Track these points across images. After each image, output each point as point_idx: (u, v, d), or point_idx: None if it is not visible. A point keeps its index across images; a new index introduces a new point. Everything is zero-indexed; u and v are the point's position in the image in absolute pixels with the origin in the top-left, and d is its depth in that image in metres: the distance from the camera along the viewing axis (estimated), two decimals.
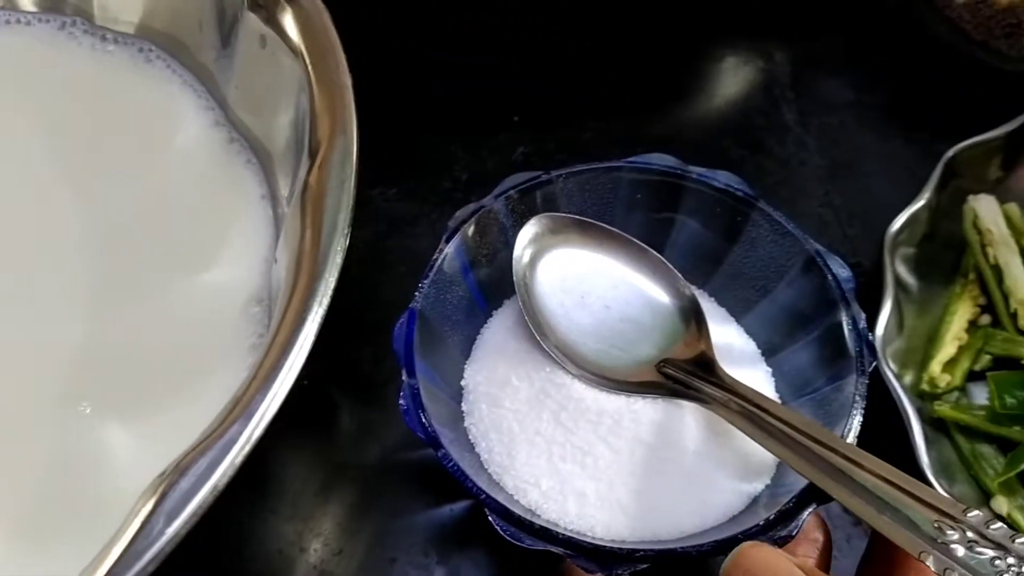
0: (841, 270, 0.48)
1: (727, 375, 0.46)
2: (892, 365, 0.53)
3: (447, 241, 0.49)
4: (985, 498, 0.50)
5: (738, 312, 0.53)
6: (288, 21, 0.52)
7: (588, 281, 0.51)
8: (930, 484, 0.47)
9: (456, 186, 0.63)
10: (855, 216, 0.62)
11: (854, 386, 0.45)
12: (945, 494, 0.39)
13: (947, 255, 0.58)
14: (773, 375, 0.50)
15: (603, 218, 0.52)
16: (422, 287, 0.47)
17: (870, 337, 0.46)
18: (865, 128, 0.66)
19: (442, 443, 0.43)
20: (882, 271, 0.54)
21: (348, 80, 0.50)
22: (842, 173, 0.63)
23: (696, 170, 0.51)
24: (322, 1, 0.53)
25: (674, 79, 0.68)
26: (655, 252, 0.51)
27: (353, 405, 0.56)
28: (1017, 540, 0.35)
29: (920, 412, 0.51)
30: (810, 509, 0.41)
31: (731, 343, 0.51)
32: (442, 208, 0.62)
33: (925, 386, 0.53)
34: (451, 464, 0.42)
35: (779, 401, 0.49)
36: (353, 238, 0.45)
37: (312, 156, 0.48)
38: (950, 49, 0.66)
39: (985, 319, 0.56)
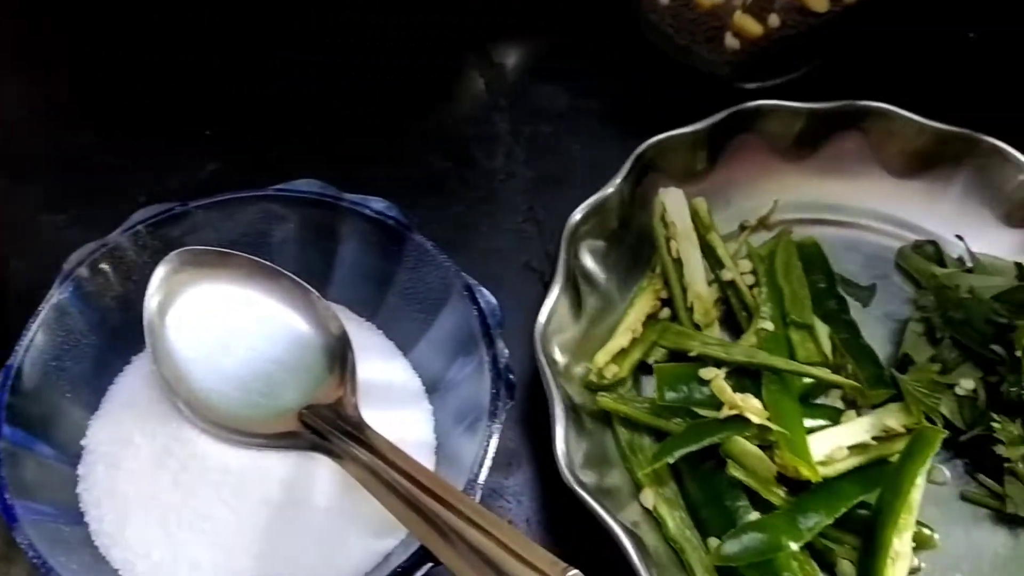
0: (488, 303, 0.46)
1: (365, 426, 0.43)
2: (560, 356, 0.51)
3: (59, 285, 0.44)
4: (638, 491, 0.49)
5: (407, 345, 0.50)
6: None
7: (234, 320, 0.47)
8: (563, 475, 0.45)
9: (135, 209, 0.58)
10: (558, 231, 0.59)
11: (486, 423, 0.42)
12: (549, 554, 0.37)
13: (647, 250, 0.57)
14: (437, 411, 0.48)
15: (256, 250, 0.48)
16: (23, 340, 0.43)
17: (511, 378, 0.44)
18: (578, 136, 0.63)
19: (15, 517, 0.38)
20: (555, 260, 0.52)
21: None
22: (549, 187, 0.61)
23: (349, 197, 0.48)
24: None
25: (382, 90, 0.64)
26: (306, 285, 0.47)
27: None
28: None
29: (580, 404, 0.50)
30: (423, 570, 0.39)
31: (393, 380, 0.49)
32: None
33: (592, 376, 0.52)
34: (25, 543, 0.38)
35: (434, 441, 0.47)
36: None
37: None
38: (662, 53, 0.64)
39: (665, 313, 0.55)
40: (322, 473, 0.43)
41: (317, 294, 0.47)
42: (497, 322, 0.45)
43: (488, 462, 0.41)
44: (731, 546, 0.45)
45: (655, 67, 0.65)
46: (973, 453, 0.50)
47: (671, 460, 0.47)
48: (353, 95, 0.64)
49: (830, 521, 0.46)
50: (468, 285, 0.46)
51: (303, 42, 0.65)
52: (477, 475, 0.41)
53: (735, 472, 0.47)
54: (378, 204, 0.48)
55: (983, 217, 0.59)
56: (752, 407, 0.47)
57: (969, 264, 0.56)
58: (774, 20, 0.61)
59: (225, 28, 0.66)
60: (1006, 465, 0.48)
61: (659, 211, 0.56)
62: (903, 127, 0.59)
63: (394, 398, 0.48)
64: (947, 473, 0.50)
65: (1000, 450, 0.47)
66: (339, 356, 0.46)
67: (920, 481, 0.47)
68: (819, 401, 0.52)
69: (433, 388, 0.48)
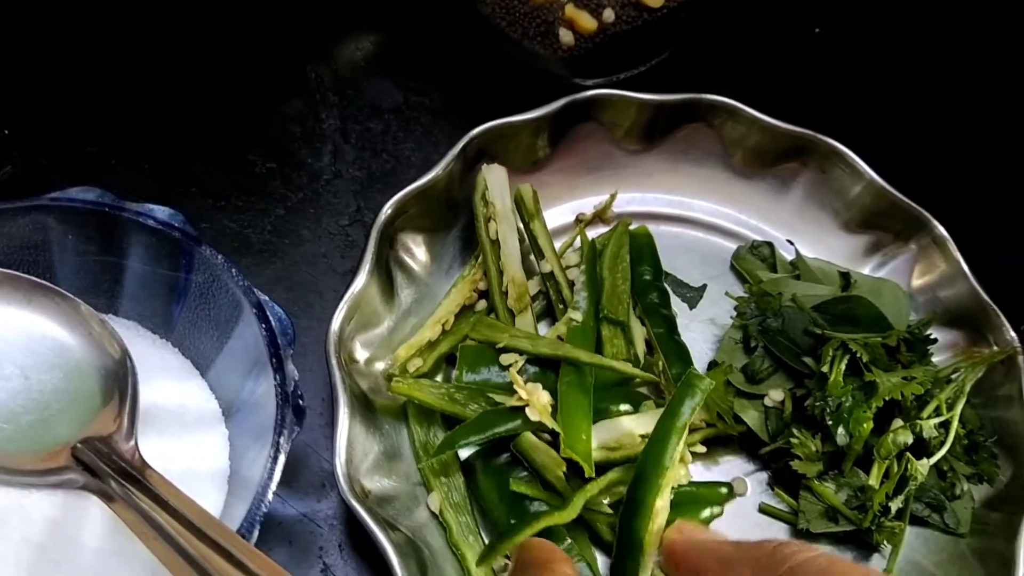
0: (280, 321, 0.43)
1: (140, 464, 0.40)
2: (363, 352, 0.49)
3: None
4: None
5: (204, 364, 0.47)
6: None
7: (4, 345, 0.43)
8: (338, 483, 0.44)
9: None
10: None
11: (270, 451, 0.40)
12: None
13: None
14: (234, 435, 0.45)
15: (33, 266, 0.44)
16: None
17: (301, 403, 0.41)
18: (411, 134, 0.61)
19: None
20: (363, 252, 0.49)
21: None
22: (379, 187, 0.58)
23: (131, 206, 0.44)
24: None
25: (201, 85, 0.60)
26: (78, 303, 0.43)
27: None
28: None
29: (380, 404, 0.49)
30: None
31: (187, 403, 0.45)
32: None
33: (394, 370, 0.50)
34: None
35: (227, 468, 0.44)
36: None
37: None
38: (499, 48, 0.61)
39: (482, 305, 0.53)
40: (94, 512, 0.40)
41: (95, 314, 0.43)
42: (288, 341, 0.42)
43: (272, 488, 0.39)
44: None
45: (493, 63, 0.62)
46: (775, 466, 0.50)
47: (455, 450, 0.46)
48: (169, 90, 0.60)
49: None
50: (259, 302, 0.43)
51: (114, 32, 0.61)
52: (259, 505, 0.38)
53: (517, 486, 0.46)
54: (162, 214, 0.44)
55: (822, 222, 0.58)
56: (537, 400, 0.46)
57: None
58: (609, 15, 0.59)
59: (27, 18, 0.60)
60: (803, 481, 0.47)
61: (480, 189, 0.54)
62: (745, 124, 0.57)
63: (188, 423, 0.45)
64: (748, 485, 0.50)
65: (796, 466, 0.47)
66: (118, 384, 0.42)
67: (684, 433, 0.46)
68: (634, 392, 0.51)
69: (230, 410, 0.45)
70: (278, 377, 0.41)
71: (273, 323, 0.42)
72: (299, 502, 0.49)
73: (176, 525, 0.37)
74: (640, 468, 0.45)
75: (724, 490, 0.50)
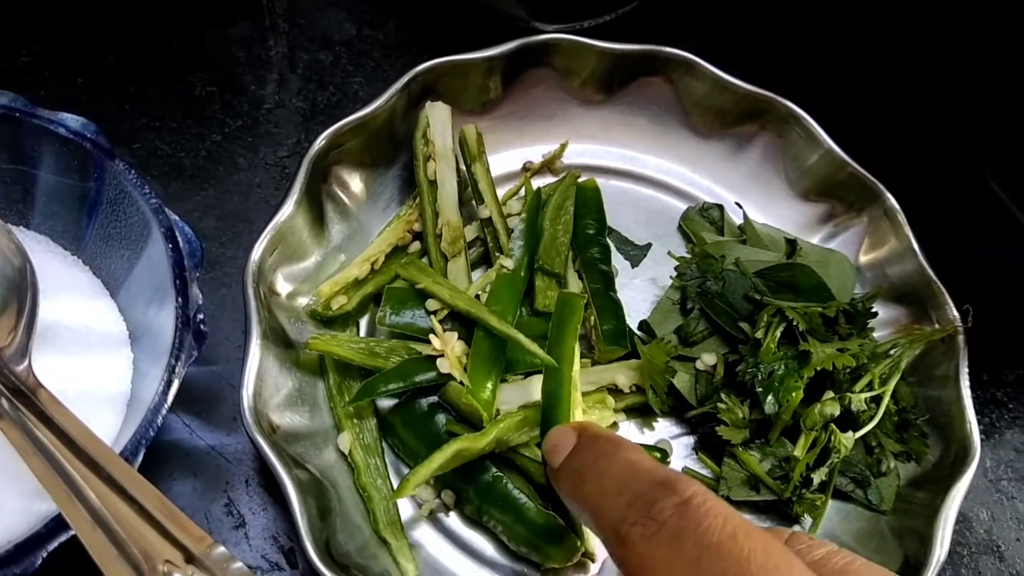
0: (189, 242, 0.41)
1: (27, 378, 0.38)
2: (284, 285, 0.48)
3: None
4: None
5: (115, 284, 0.45)
6: None
7: None
8: (243, 417, 0.42)
9: None
10: None
11: (165, 373, 0.38)
12: (198, 528, 0.34)
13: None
14: (140, 358, 0.43)
15: None
16: None
17: (202, 328, 0.39)
18: (361, 68, 0.58)
19: None
20: (291, 182, 0.48)
21: None
22: (322, 120, 0.56)
23: (42, 113, 0.42)
24: None
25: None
26: None
27: None
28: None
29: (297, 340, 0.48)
30: (64, 536, 0.35)
31: (92, 323, 0.44)
32: None
33: (317, 307, 0.48)
34: None
35: (128, 392, 0.42)
36: None
37: None
38: None
39: (416, 247, 0.52)
40: None
41: None
42: (195, 263, 0.41)
43: (163, 410, 0.37)
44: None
45: (451, 2, 0.60)
46: (702, 431, 0.48)
47: (374, 397, 0.45)
48: (111, 2, 0.57)
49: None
50: (168, 222, 0.41)
51: None
52: (147, 427, 0.37)
53: (452, 426, 0.45)
54: (74, 123, 0.42)
55: (775, 188, 0.56)
56: (451, 350, 0.45)
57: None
58: None
59: None
60: (728, 448, 0.46)
61: (422, 126, 0.52)
62: (705, 80, 0.55)
63: (91, 342, 0.43)
64: (673, 448, 0.48)
65: (722, 431, 0.45)
66: (16, 296, 0.40)
67: (577, 355, 0.45)
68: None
69: (136, 332, 0.44)
70: (180, 299, 0.39)
71: (182, 244, 0.40)
72: (208, 435, 0.47)
73: (58, 444, 0.36)
74: (544, 405, 0.44)
75: (657, 455, 0.48)
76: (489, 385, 0.44)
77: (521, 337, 0.45)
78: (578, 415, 0.44)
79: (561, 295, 0.45)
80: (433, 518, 0.46)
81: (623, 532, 0.32)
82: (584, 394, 0.47)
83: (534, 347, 0.46)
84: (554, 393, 0.44)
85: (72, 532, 0.34)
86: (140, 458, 0.36)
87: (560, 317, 0.45)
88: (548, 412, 0.44)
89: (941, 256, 0.51)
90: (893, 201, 0.52)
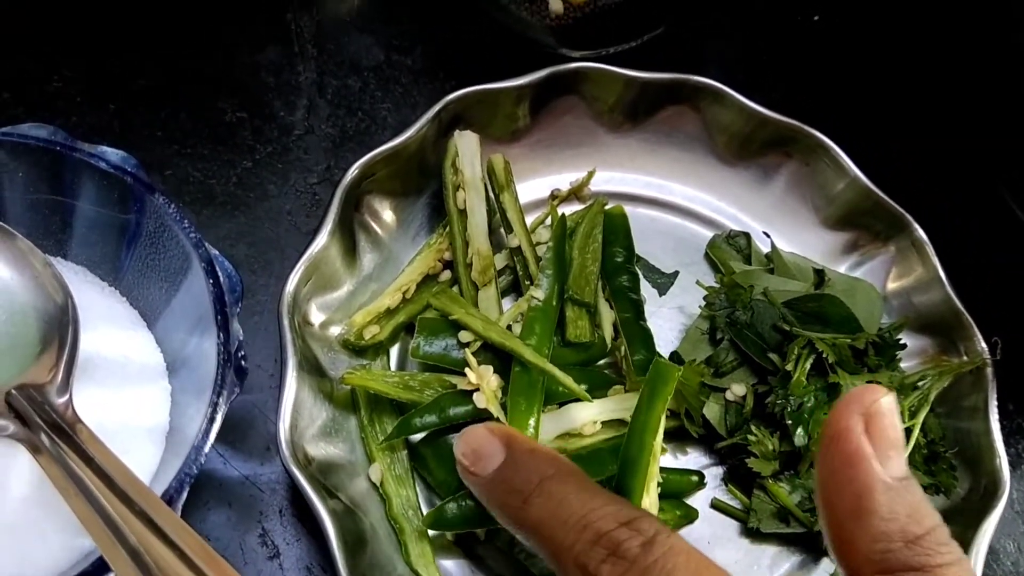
0: (230, 277, 0.41)
1: (70, 416, 0.38)
2: (318, 315, 0.48)
3: None
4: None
5: (152, 315, 0.45)
6: None
7: None
8: (280, 447, 0.43)
9: None
10: None
11: (208, 409, 0.38)
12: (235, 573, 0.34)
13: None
14: (177, 391, 0.44)
15: None
16: None
17: (243, 364, 0.40)
18: (390, 94, 0.59)
19: None
20: (327, 210, 0.48)
21: None
22: (352, 147, 0.57)
23: (83, 147, 0.43)
24: None
25: (172, 24, 0.58)
26: (27, 244, 0.42)
27: None
28: None
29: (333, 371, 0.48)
30: None
31: (131, 354, 0.44)
32: None
33: (350, 336, 0.48)
34: None
35: (167, 425, 0.43)
36: None
37: None
38: (487, 13, 0.59)
39: (446, 276, 0.52)
40: (22, 460, 0.39)
41: (40, 255, 0.42)
42: (236, 299, 0.41)
43: (206, 448, 0.37)
44: (446, 511, 0.43)
45: (480, 27, 0.60)
46: (731, 462, 0.49)
47: (410, 434, 0.45)
48: (141, 29, 0.58)
49: None
50: (208, 256, 0.41)
51: None
52: (191, 465, 0.37)
53: None
54: (114, 157, 0.42)
55: (802, 216, 0.57)
56: (487, 385, 0.45)
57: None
58: None
59: None
60: (757, 479, 0.46)
61: (451, 155, 0.52)
62: (732, 109, 0.55)
63: (130, 374, 0.43)
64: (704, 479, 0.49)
65: (752, 463, 0.46)
66: (58, 331, 0.41)
67: (662, 425, 0.44)
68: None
69: (175, 365, 0.44)
70: (221, 335, 0.39)
71: (222, 279, 0.41)
72: (242, 464, 0.47)
73: (99, 484, 0.36)
74: (621, 467, 0.44)
75: (695, 478, 0.49)
76: (532, 422, 0.44)
77: (558, 373, 0.46)
78: (652, 488, 0.44)
79: (657, 363, 0.44)
80: (465, 550, 0.46)
81: (592, 568, 0.32)
82: (619, 422, 0.47)
83: (571, 383, 0.46)
84: (634, 460, 0.43)
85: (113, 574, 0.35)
86: (184, 497, 0.37)
87: (652, 385, 0.44)
88: (624, 478, 0.43)
89: (968, 286, 0.51)
90: (920, 231, 0.52)
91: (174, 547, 0.34)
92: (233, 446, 0.48)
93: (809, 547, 0.48)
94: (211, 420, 0.38)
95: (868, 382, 0.46)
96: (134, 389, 0.43)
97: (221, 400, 0.38)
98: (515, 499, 0.36)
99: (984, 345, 0.49)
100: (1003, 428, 0.49)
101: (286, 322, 0.45)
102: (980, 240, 0.58)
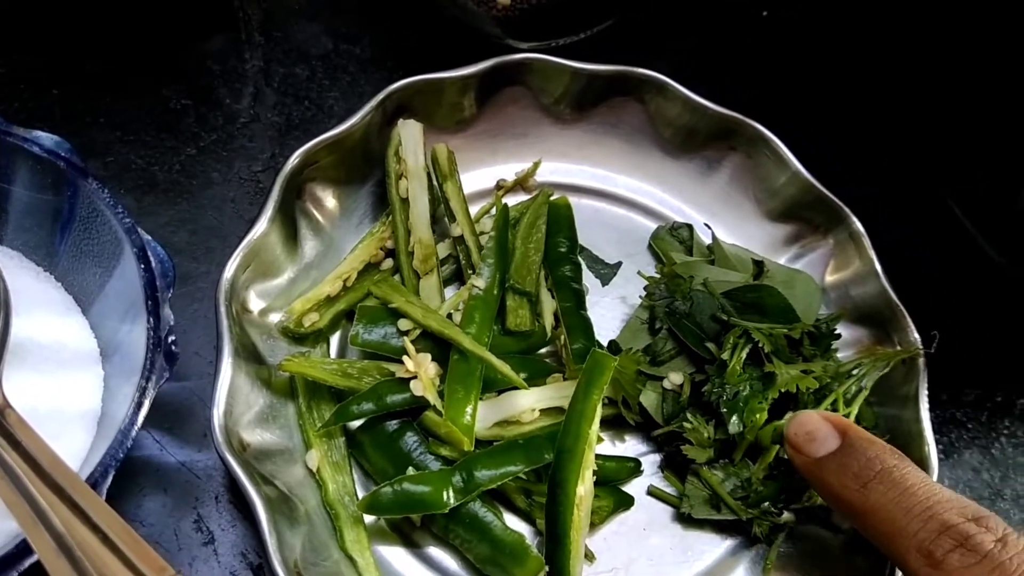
0: (161, 263, 0.41)
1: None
2: (257, 303, 0.48)
3: None
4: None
5: (87, 300, 0.45)
6: None
7: None
8: (214, 435, 0.42)
9: None
10: None
11: (136, 394, 0.38)
12: (159, 559, 0.34)
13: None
14: (110, 376, 0.43)
15: None
16: None
17: (174, 349, 0.40)
18: (336, 83, 0.59)
19: None
20: (266, 199, 0.48)
21: None
22: (297, 135, 0.56)
23: (17, 131, 0.42)
24: None
25: (117, 9, 0.58)
26: None
27: None
28: None
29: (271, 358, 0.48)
30: (22, 566, 0.35)
31: (65, 340, 0.44)
32: None
33: (289, 324, 0.48)
34: None
35: (99, 409, 0.43)
36: None
37: None
38: (435, 4, 0.59)
39: (388, 264, 0.52)
40: None
41: None
42: (168, 284, 0.41)
43: (133, 432, 0.37)
44: (381, 496, 0.43)
45: (428, 18, 0.60)
46: (667, 449, 0.49)
47: (348, 421, 0.46)
48: (88, 14, 0.57)
49: (504, 480, 0.45)
50: (141, 242, 0.41)
51: None
52: (117, 449, 0.37)
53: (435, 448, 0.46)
54: (48, 141, 0.42)
55: (744, 208, 0.57)
56: (424, 372, 0.45)
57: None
58: None
59: None
60: (692, 466, 0.47)
61: (394, 144, 0.52)
62: (676, 101, 0.56)
63: (63, 360, 0.43)
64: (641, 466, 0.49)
65: (687, 451, 0.46)
66: None
67: (598, 414, 0.45)
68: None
69: (108, 350, 0.44)
70: (151, 320, 0.39)
71: (154, 264, 0.41)
72: (179, 451, 0.47)
73: (25, 468, 0.36)
74: (557, 456, 0.44)
75: (632, 465, 0.49)
76: (468, 410, 0.45)
77: (496, 361, 0.46)
78: (588, 476, 0.44)
79: (594, 353, 0.45)
80: (400, 535, 0.46)
81: (938, 555, 0.36)
82: (557, 410, 0.47)
83: (510, 372, 0.46)
84: (570, 448, 0.44)
85: (36, 556, 0.35)
86: (109, 481, 0.36)
87: (589, 374, 0.45)
88: (560, 467, 0.44)
89: (903, 277, 0.52)
90: (858, 224, 0.53)
91: (97, 530, 0.34)
92: (170, 432, 0.48)
93: (741, 534, 0.48)
94: (139, 405, 0.38)
95: (803, 372, 0.47)
96: (67, 374, 0.43)
97: (150, 385, 0.38)
98: (854, 482, 0.39)
99: (917, 336, 0.50)
100: (936, 418, 0.50)
101: (223, 309, 0.45)
102: (916, 235, 0.59)
